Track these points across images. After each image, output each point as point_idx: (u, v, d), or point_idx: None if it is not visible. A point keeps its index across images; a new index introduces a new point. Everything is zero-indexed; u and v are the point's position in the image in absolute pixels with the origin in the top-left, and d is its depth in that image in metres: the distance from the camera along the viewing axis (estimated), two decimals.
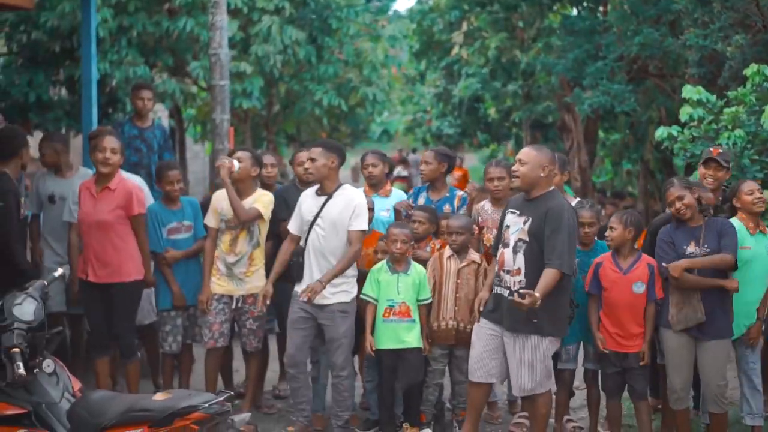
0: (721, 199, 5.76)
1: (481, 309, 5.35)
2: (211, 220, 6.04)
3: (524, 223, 5.13)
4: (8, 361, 3.86)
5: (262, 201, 5.98)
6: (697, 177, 5.92)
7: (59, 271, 4.60)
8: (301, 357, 5.76)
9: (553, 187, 5.24)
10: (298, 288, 5.72)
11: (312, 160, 5.68)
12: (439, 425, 5.98)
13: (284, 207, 6.08)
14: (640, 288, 5.39)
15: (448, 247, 5.82)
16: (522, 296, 4.87)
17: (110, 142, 5.81)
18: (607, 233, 5.58)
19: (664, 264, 5.29)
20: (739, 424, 5.77)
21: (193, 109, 14.40)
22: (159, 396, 3.90)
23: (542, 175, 5.14)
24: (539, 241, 5.06)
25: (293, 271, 5.68)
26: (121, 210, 5.80)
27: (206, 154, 17.10)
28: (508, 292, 5.15)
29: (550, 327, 5.10)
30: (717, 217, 5.47)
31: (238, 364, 6.54)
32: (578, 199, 5.93)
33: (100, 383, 5.83)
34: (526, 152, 5.22)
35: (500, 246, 5.26)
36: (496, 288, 5.25)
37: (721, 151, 5.83)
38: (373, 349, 5.70)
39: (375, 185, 6.44)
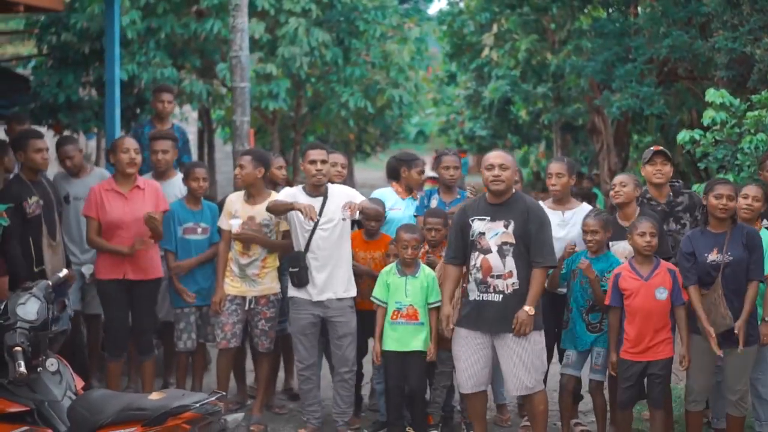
0: (670, 194, 5.85)
1: (451, 326, 5.32)
2: (224, 223, 6.07)
3: (505, 226, 5.16)
4: (10, 359, 3.94)
5: None
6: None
7: (64, 272, 4.69)
8: (315, 358, 5.86)
9: (515, 189, 5.31)
10: (297, 293, 5.77)
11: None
12: (447, 427, 5.97)
13: None
14: (662, 294, 5.32)
15: None
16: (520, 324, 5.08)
17: (131, 143, 6.02)
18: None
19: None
20: (749, 429, 5.71)
21: (221, 110, 14.48)
22: (154, 395, 3.97)
23: (516, 178, 5.29)
24: (526, 242, 5.14)
25: (299, 277, 5.71)
26: (152, 208, 5.96)
27: None
28: (501, 296, 5.15)
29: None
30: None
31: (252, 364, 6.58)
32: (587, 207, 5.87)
33: (112, 385, 5.94)
34: (504, 156, 5.25)
35: (477, 253, 5.21)
36: (481, 295, 5.21)
37: (661, 147, 5.91)
38: (379, 357, 5.72)
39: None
